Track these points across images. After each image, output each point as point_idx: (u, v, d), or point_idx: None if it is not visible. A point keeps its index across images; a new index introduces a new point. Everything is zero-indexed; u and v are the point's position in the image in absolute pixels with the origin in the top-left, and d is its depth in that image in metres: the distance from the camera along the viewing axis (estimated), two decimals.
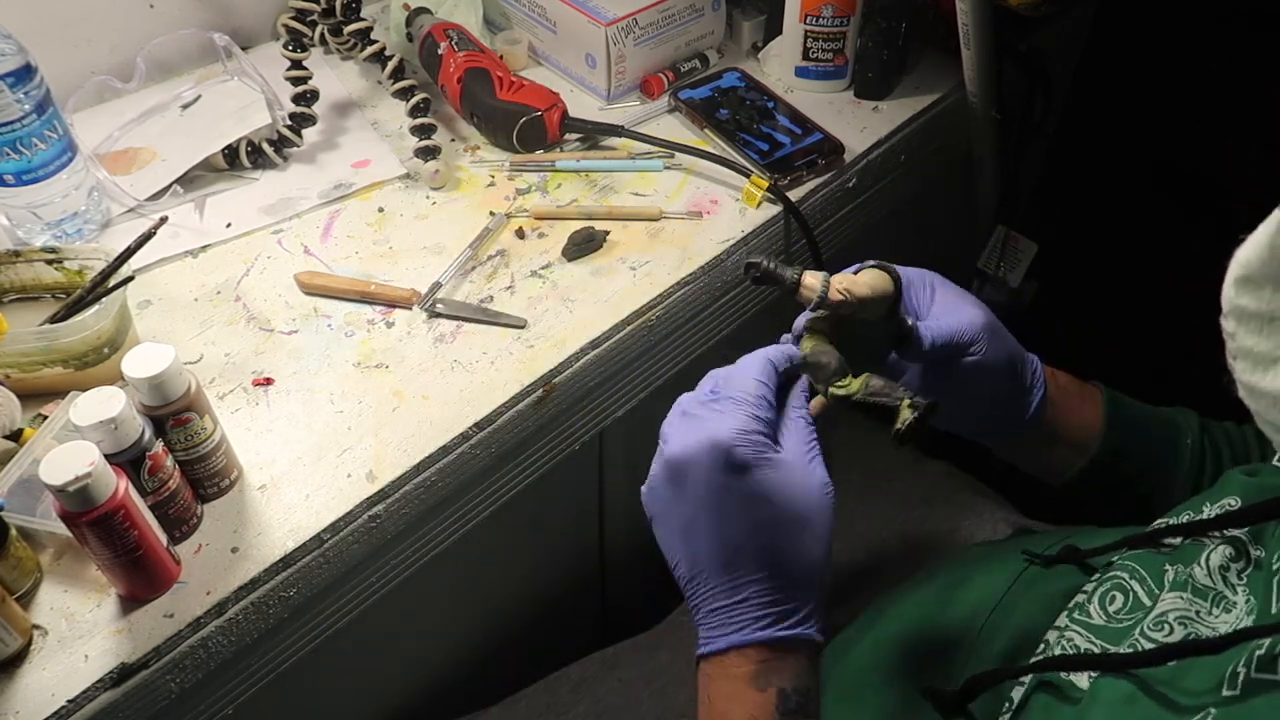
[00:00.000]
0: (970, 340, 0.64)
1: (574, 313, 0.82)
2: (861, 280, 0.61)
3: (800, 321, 0.64)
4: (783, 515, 0.54)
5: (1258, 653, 0.46)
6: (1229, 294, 0.40)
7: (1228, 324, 0.41)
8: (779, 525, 0.54)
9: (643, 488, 0.58)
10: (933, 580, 0.75)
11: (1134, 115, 1.26)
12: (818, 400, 0.61)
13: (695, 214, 0.90)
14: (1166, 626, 0.54)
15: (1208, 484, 0.69)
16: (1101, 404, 0.72)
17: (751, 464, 0.54)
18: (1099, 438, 0.71)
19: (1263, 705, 0.44)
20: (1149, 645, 0.54)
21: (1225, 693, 0.47)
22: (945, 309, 0.66)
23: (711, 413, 0.55)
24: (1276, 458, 0.62)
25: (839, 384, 0.59)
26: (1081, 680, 0.55)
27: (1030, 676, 0.58)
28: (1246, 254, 0.39)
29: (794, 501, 0.54)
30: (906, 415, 0.58)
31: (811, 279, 0.61)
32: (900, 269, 0.66)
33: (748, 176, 0.91)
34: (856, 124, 1.01)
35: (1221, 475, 0.65)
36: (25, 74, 0.77)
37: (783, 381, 0.59)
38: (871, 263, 0.66)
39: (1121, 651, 0.55)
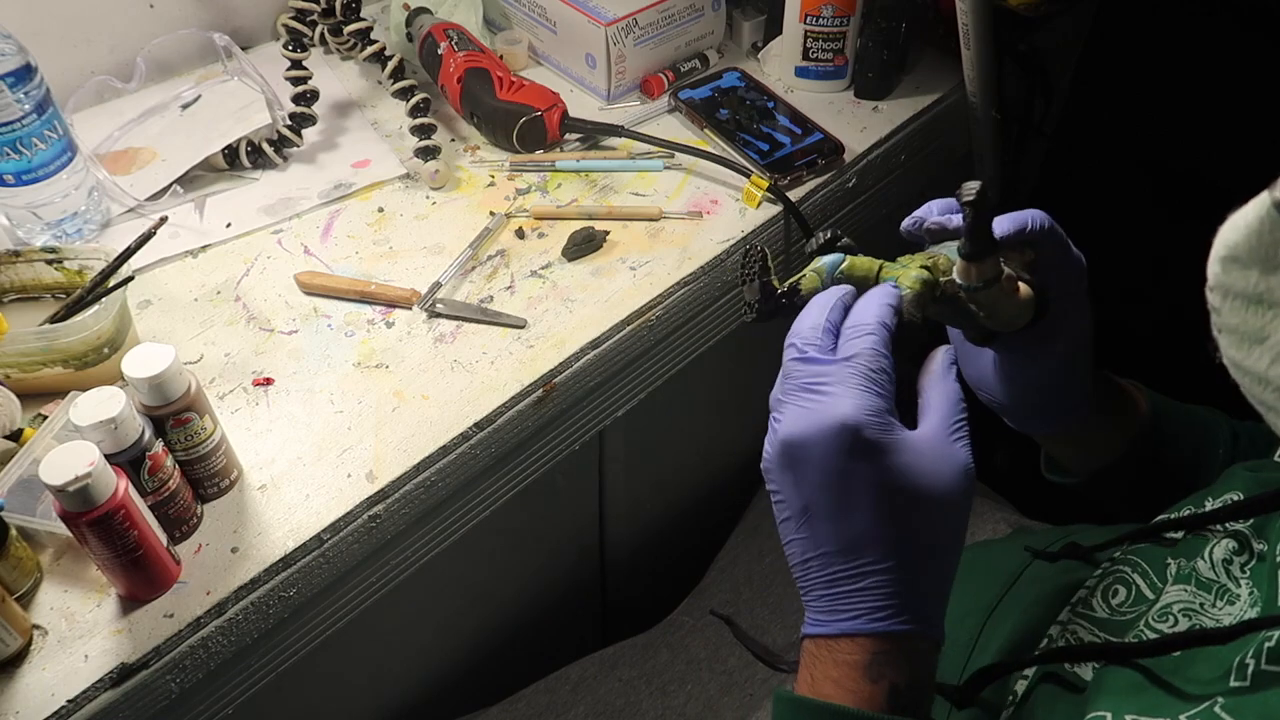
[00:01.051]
0: (1041, 364, 0.61)
1: (574, 313, 0.82)
2: (1023, 291, 0.56)
3: (955, 222, 0.56)
4: (913, 502, 0.48)
5: (1267, 644, 0.46)
6: (1214, 270, 0.39)
7: (1213, 298, 0.40)
8: (907, 513, 0.49)
9: (762, 462, 0.52)
10: None
11: (1133, 115, 1.26)
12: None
13: (695, 214, 0.90)
14: (1171, 618, 0.54)
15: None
16: (1143, 404, 0.70)
17: (882, 446, 0.48)
18: (1134, 439, 0.69)
19: (1275, 698, 0.45)
20: (1154, 637, 0.54)
21: (1233, 683, 0.47)
22: (1049, 325, 0.60)
23: (832, 386, 0.49)
24: (1278, 453, 0.61)
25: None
26: (1086, 671, 0.55)
27: (1034, 668, 0.58)
28: (1233, 235, 0.38)
29: (927, 487, 0.48)
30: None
31: (996, 263, 0.53)
32: (1066, 265, 0.59)
33: (748, 176, 0.91)
34: (856, 124, 1.01)
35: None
36: (25, 74, 0.77)
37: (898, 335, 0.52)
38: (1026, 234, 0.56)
39: (1127, 642, 0.55)
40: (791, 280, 0.54)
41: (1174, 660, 0.51)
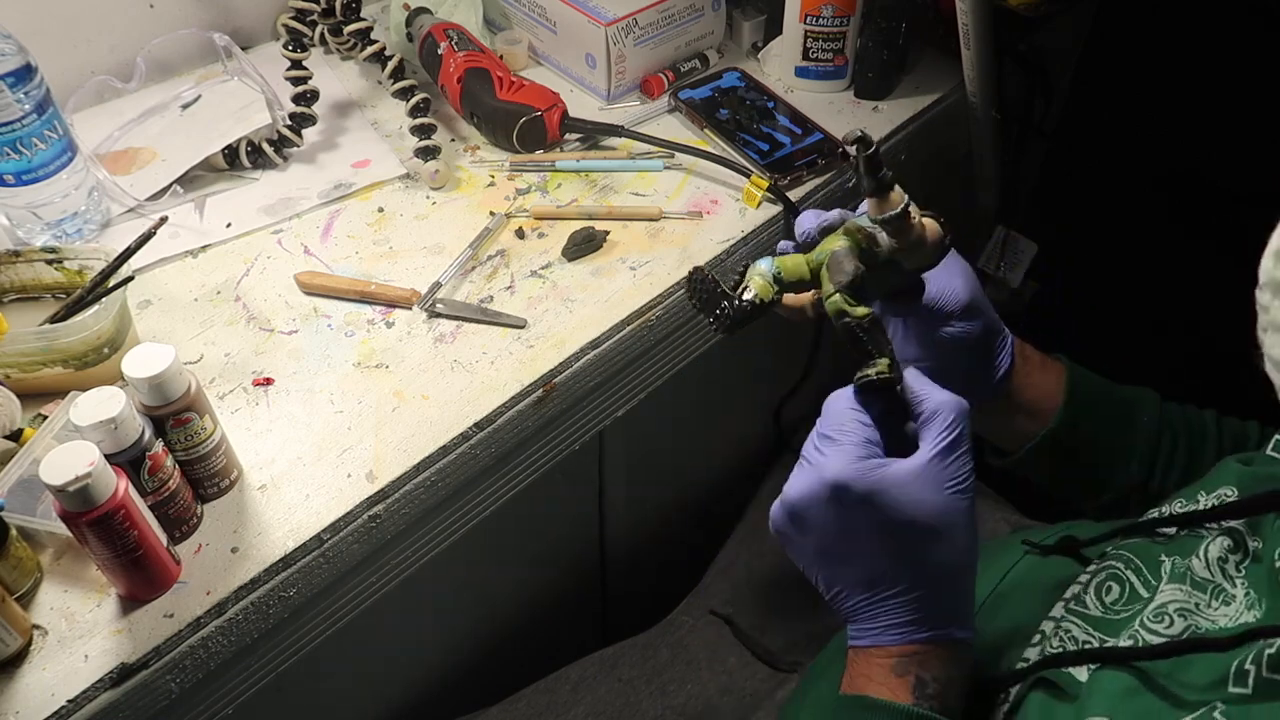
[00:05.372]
0: (951, 312, 0.65)
1: (574, 313, 0.82)
2: (930, 226, 0.60)
3: (833, 216, 0.62)
4: (913, 530, 0.54)
5: (1268, 651, 0.46)
6: (1268, 266, 0.40)
7: (1263, 296, 0.40)
8: (911, 543, 0.54)
9: (770, 523, 0.60)
10: None
11: (1133, 115, 1.26)
12: (805, 297, 0.61)
13: (695, 214, 0.90)
14: (1167, 618, 0.54)
15: (1163, 464, 0.70)
16: (1064, 377, 0.72)
17: (871, 492, 0.54)
18: (1059, 410, 0.71)
19: None
20: (1149, 637, 0.54)
21: (1233, 689, 0.46)
22: (938, 273, 0.65)
23: (819, 455, 0.56)
24: (1272, 445, 0.61)
25: (849, 301, 0.58)
26: (1080, 674, 0.55)
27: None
28: None
29: (922, 514, 0.54)
30: (883, 368, 0.57)
31: (900, 194, 0.58)
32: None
33: (748, 176, 0.91)
34: (856, 124, 1.00)
35: (1177, 454, 0.68)
36: (25, 74, 0.77)
37: (879, 402, 0.58)
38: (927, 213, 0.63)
39: (1121, 644, 0.55)
40: (742, 291, 0.61)
41: (1169, 663, 0.51)
